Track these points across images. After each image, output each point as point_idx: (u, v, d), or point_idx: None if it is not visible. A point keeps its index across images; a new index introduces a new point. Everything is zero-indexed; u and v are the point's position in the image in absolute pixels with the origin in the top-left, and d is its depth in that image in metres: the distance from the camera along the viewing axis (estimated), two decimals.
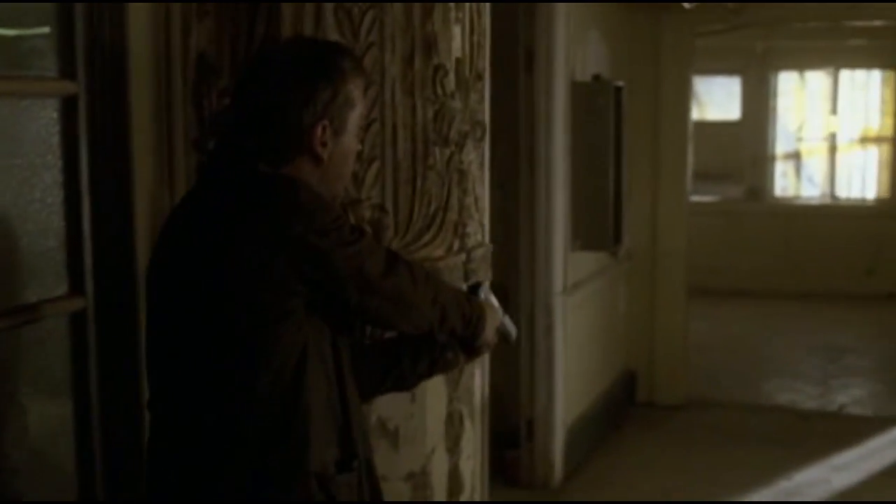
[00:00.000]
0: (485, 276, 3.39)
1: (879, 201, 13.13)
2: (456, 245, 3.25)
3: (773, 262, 12.53)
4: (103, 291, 2.70)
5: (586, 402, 7.17)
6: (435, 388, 3.31)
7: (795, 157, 13.51)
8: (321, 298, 2.32)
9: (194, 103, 2.97)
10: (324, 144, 2.37)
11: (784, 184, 13.51)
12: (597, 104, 6.37)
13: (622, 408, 7.94)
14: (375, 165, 3.04)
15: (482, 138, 3.39)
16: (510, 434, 6.39)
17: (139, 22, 2.75)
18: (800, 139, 13.49)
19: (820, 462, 6.97)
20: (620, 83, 6.66)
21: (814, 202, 13.33)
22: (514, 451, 6.49)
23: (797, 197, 13.50)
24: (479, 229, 3.40)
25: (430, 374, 2.73)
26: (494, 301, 2.78)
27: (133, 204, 2.75)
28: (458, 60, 3.23)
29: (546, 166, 6.19)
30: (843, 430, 7.67)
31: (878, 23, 10.45)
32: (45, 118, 2.61)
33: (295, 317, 2.29)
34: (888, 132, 13.02)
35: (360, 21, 2.98)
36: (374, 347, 2.72)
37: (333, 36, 2.95)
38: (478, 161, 3.39)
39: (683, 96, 8.07)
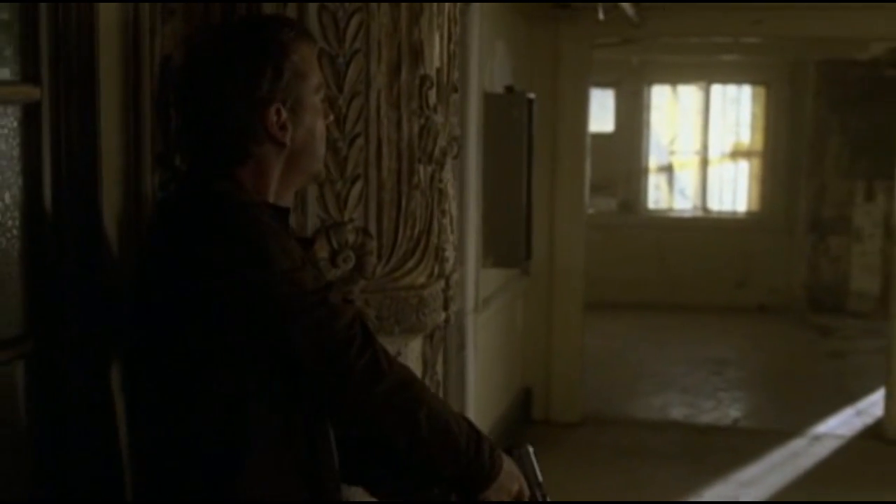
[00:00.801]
0: (458, 303, 3.17)
1: (750, 214, 13.35)
2: (436, 270, 3.01)
3: (646, 274, 12.59)
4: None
5: (489, 422, 6.99)
6: None
7: (668, 170, 13.62)
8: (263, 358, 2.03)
9: (158, 113, 2.66)
10: (283, 128, 2.14)
11: (657, 196, 13.61)
12: (511, 116, 6.20)
13: (520, 426, 7.79)
14: (359, 184, 2.77)
15: (457, 155, 3.16)
16: None
17: (108, 23, 2.44)
18: (672, 152, 13.61)
19: (725, 478, 6.94)
20: (532, 95, 6.50)
21: (686, 215, 13.46)
22: None
23: (670, 209, 13.61)
24: (454, 253, 3.17)
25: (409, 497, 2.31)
26: (533, 467, 2.33)
27: (101, 232, 2.42)
28: (437, 71, 3.00)
29: (460, 180, 5.96)
30: (741, 444, 7.67)
31: (750, 40, 10.59)
32: (4, 127, 2.27)
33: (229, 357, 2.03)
34: (758, 146, 13.24)
35: (345, 25, 2.72)
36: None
37: (317, 40, 2.69)
38: (452, 179, 3.15)
39: (581, 108, 7.97)
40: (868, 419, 8.26)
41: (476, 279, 6.23)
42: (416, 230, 2.89)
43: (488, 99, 6.15)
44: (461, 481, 2.18)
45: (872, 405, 8.50)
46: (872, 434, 7.92)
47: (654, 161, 13.49)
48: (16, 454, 2.35)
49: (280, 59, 2.13)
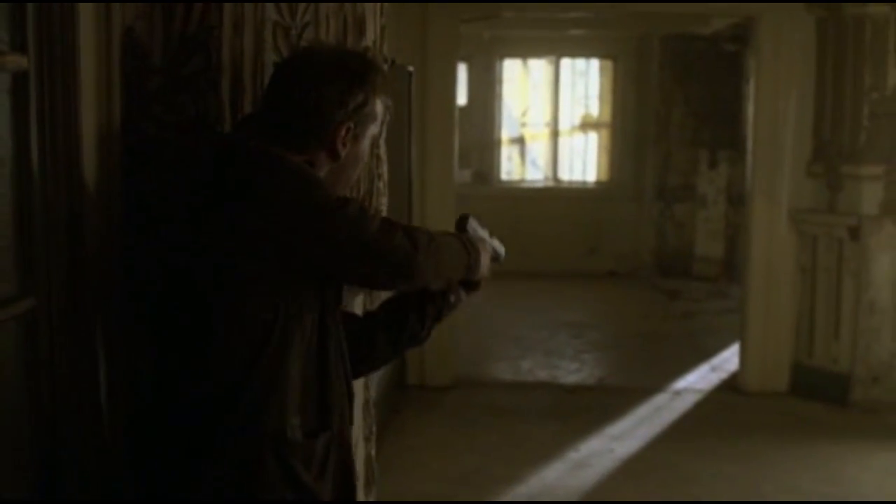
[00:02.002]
0: None
1: (599, 184, 13.81)
2: None
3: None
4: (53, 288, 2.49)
5: (371, 388, 7.16)
6: None
7: (520, 141, 13.99)
8: (311, 268, 2.39)
9: (123, 83, 2.79)
10: (343, 145, 2.52)
11: (509, 167, 13.96)
12: (393, 90, 6.37)
13: (396, 391, 8.00)
14: None
15: (390, 121, 3.35)
16: None
17: None
18: (524, 125, 13.97)
19: (598, 432, 7.29)
20: (411, 68, 6.70)
21: (538, 185, 13.85)
22: None
23: (522, 180, 13.98)
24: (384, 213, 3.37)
25: (439, 320, 2.85)
26: (481, 230, 2.88)
27: (81, 197, 2.55)
28: (373, 43, 3.19)
29: None
30: (608, 401, 8.04)
31: (598, 15, 11.01)
32: None
33: (270, 286, 2.36)
34: (606, 118, 13.69)
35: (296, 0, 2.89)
36: (378, 316, 2.82)
37: (272, 14, 2.85)
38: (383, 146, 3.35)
39: (450, 83, 8.22)
40: (723, 374, 8.76)
41: None
42: (361, 192, 3.09)
43: None
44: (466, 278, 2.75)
45: (725, 361, 9.02)
46: (728, 387, 8.40)
47: (506, 133, 13.84)
48: (8, 412, 2.46)
49: (369, 94, 2.54)
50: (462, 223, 2.84)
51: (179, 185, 2.54)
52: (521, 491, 6.28)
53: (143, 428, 2.53)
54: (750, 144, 8.36)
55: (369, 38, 3.10)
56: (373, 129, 2.61)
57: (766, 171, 8.12)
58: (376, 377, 7.27)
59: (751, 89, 8.36)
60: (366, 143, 2.60)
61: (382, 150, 3.27)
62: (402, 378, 8.26)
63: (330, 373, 2.49)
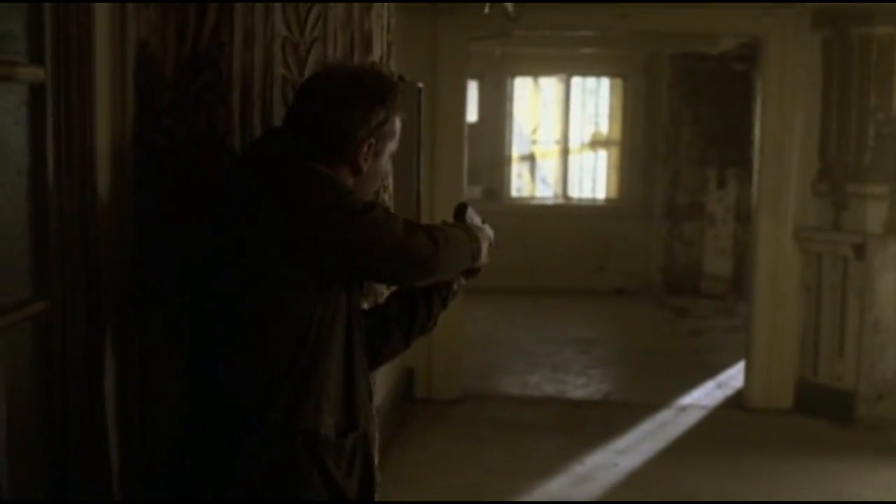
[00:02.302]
0: None
1: (608, 201, 13.88)
2: None
3: (510, 259, 12.98)
4: (67, 292, 2.58)
5: (377, 400, 7.23)
6: None
7: (530, 159, 14.07)
8: (344, 270, 2.53)
9: (137, 97, 2.88)
10: (365, 160, 2.67)
11: (519, 184, 14.04)
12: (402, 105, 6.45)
13: (404, 404, 8.07)
14: None
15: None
16: None
17: (100, 10, 2.65)
18: (534, 142, 14.06)
19: (602, 447, 7.35)
20: (421, 84, 6.79)
21: (548, 202, 13.92)
22: None
23: (532, 197, 14.06)
24: None
25: (444, 307, 3.00)
26: (476, 218, 3.03)
27: (95, 207, 2.64)
28: (379, 59, 3.28)
29: None
30: (613, 416, 8.10)
31: (609, 34, 11.11)
32: (13, 106, 2.46)
33: (305, 289, 2.48)
34: (616, 136, 13.77)
35: (306, 15, 2.98)
36: (389, 310, 2.93)
37: (281, 30, 2.94)
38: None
39: (459, 99, 8.31)
40: (728, 391, 8.81)
41: None
42: None
43: None
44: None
45: (731, 378, 9.07)
46: (733, 403, 8.45)
47: (516, 150, 13.92)
48: (23, 410, 2.55)
49: (389, 112, 2.69)
50: (461, 212, 3.01)
51: (205, 195, 2.66)
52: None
53: (179, 428, 2.63)
54: (756, 163, 8.43)
55: (376, 54, 3.19)
56: (391, 146, 2.76)
57: (771, 189, 8.19)
58: (382, 388, 7.37)
59: (757, 109, 8.43)
60: (385, 159, 2.76)
61: (388, 165, 3.35)
62: (408, 392, 8.33)
63: (356, 373, 2.63)
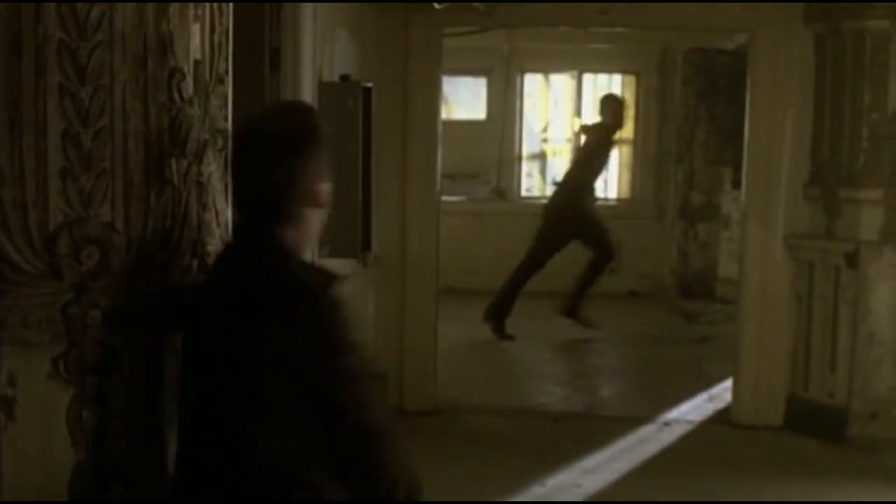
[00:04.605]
0: None
1: (620, 201, 13.47)
2: (195, 265, 2.96)
3: (517, 261, 12.61)
4: None
5: None
6: None
7: (541, 157, 13.69)
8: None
9: None
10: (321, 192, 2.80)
11: (529, 184, 13.67)
12: (345, 105, 6.13)
13: None
14: (104, 179, 2.72)
15: (223, 147, 3.10)
16: None
17: None
18: (545, 140, 13.67)
19: (570, 465, 6.98)
20: (369, 84, 6.45)
21: None
22: None
23: (543, 197, 13.65)
24: (217, 247, 3.11)
25: None
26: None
27: None
28: (196, 63, 2.94)
29: None
30: (592, 432, 7.72)
31: (619, 29, 10.70)
32: None
33: None
34: (629, 135, 13.35)
35: (86, 17, 2.65)
36: None
37: (56, 34, 2.62)
38: (219, 173, 3.10)
39: (433, 96, 7.95)
40: (720, 404, 8.38)
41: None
42: (168, 224, 2.84)
43: (322, 88, 6.09)
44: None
45: (725, 391, 8.60)
46: (721, 419, 8.04)
47: (526, 149, 13.54)
48: None
49: (322, 141, 2.81)
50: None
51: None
52: None
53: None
54: (745, 165, 8.01)
55: (182, 59, 2.84)
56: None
57: (760, 193, 7.78)
58: None
59: (746, 107, 7.99)
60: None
61: (210, 178, 3.01)
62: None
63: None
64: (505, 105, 13.22)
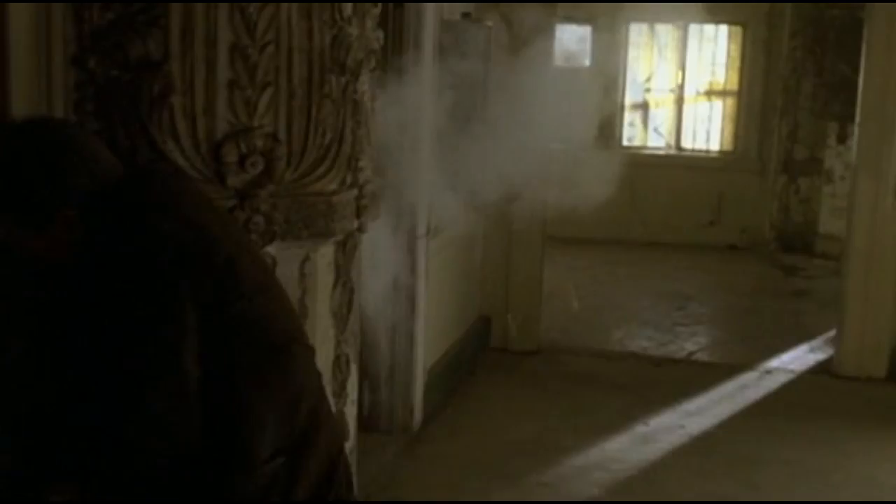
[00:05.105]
0: (374, 212, 3.26)
1: (723, 153, 13.37)
2: (349, 179, 3.10)
3: (618, 210, 12.62)
4: None
5: (444, 348, 7.09)
6: (324, 330, 3.16)
7: (643, 107, 13.63)
8: None
9: (74, 16, 2.73)
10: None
11: (631, 133, 13.63)
12: (467, 43, 6.22)
13: (477, 353, 7.89)
14: (269, 91, 2.85)
15: (375, 68, 3.23)
16: (370, 378, 6.25)
17: None
18: (648, 90, 13.60)
19: (672, 407, 7.05)
20: (490, 23, 6.52)
21: (660, 152, 13.48)
22: (373, 395, 6.35)
23: (644, 147, 13.62)
24: (370, 164, 3.25)
25: None
26: None
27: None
28: None
29: (415, 104, 5.99)
30: (693, 377, 7.77)
31: None
32: None
33: None
34: (733, 86, 13.23)
35: None
36: None
37: None
38: (370, 92, 3.23)
39: (547, 40, 7.97)
40: (821, 356, 8.37)
41: (428, 205, 6.28)
42: (327, 138, 2.97)
43: (445, 25, 6.18)
44: None
45: (825, 342, 8.61)
46: (823, 369, 8.03)
47: (629, 98, 13.50)
48: None
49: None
50: None
51: None
52: (577, 462, 6.10)
53: None
54: (857, 116, 7.93)
55: None
56: None
57: (873, 144, 7.70)
58: (453, 334, 7.20)
59: (862, 56, 7.91)
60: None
61: (364, 96, 3.14)
62: (483, 341, 8.13)
63: None
64: (609, 53, 13.15)
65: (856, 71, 11.58)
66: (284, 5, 2.83)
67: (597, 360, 8.17)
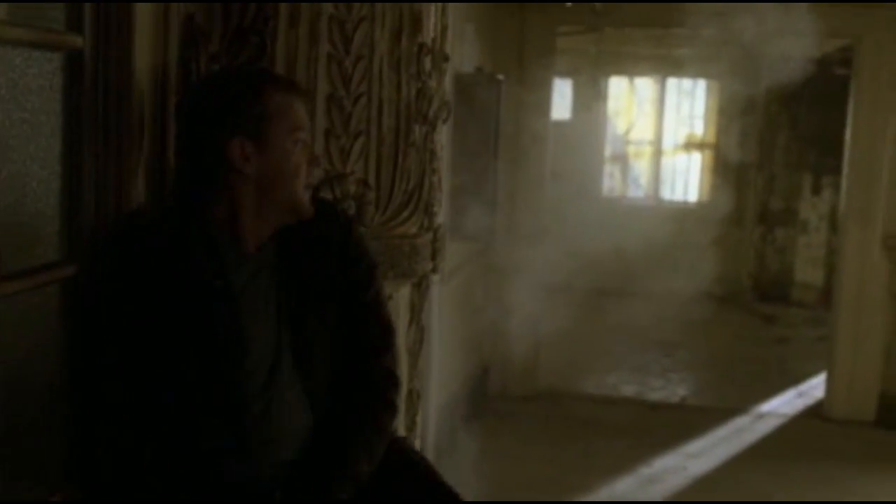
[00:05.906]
0: (443, 253, 3.44)
1: (700, 204, 13.66)
2: (426, 223, 3.27)
3: (599, 260, 12.84)
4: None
5: (450, 391, 7.23)
6: (400, 366, 3.31)
7: (623, 159, 13.92)
8: None
9: (181, 68, 2.89)
10: (246, 159, 2.40)
11: (611, 184, 13.91)
12: (480, 96, 6.44)
13: (479, 398, 8.04)
14: (361, 140, 3.03)
15: (447, 119, 3.42)
16: None
17: None
18: (628, 142, 13.91)
19: (674, 450, 7.24)
20: (501, 76, 6.75)
21: (639, 203, 13.75)
22: None
23: (623, 197, 13.90)
24: (441, 209, 3.43)
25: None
26: None
27: (131, 174, 2.65)
28: (433, 41, 3.26)
29: None
30: (689, 420, 7.98)
31: (705, 34, 10.88)
32: (49, 71, 2.49)
33: None
34: (711, 139, 13.57)
35: None
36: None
37: (328, 8, 2.94)
38: (441, 142, 3.41)
39: (545, 94, 8.24)
40: (809, 400, 8.62)
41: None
42: (411, 184, 3.15)
43: (459, 78, 6.39)
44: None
45: (813, 388, 8.87)
46: (813, 413, 8.27)
47: (609, 150, 13.79)
48: (50, 374, 2.57)
49: (250, 102, 2.40)
50: None
51: None
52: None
53: None
54: (845, 167, 8.23)
55: (427, 35, 3.16)
56: (278, 131, 2.42)
57: (860, 194, 8.00)
58: (456, 382, 7.35)
59: (849, 111, 8.22)
60: (278, 147, 2.42)
61: (438, 146, 3.33)
62: (482, 386, 8.28)
63: None
64: (589, 106, 13.45)
65: (829, 125, 12.01)
66: (376, 60, 3.01)
67: (595, 404, 8.38)
